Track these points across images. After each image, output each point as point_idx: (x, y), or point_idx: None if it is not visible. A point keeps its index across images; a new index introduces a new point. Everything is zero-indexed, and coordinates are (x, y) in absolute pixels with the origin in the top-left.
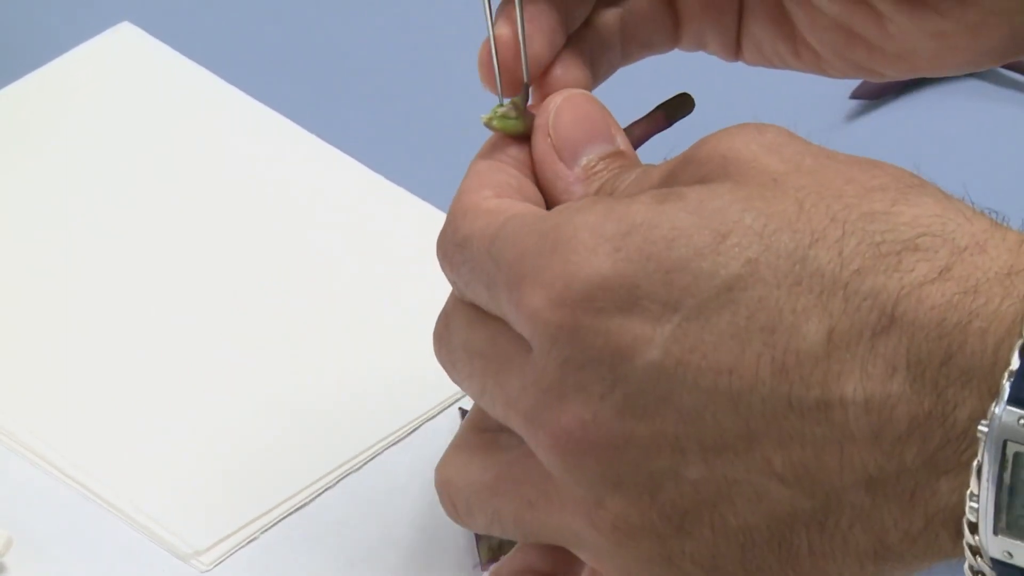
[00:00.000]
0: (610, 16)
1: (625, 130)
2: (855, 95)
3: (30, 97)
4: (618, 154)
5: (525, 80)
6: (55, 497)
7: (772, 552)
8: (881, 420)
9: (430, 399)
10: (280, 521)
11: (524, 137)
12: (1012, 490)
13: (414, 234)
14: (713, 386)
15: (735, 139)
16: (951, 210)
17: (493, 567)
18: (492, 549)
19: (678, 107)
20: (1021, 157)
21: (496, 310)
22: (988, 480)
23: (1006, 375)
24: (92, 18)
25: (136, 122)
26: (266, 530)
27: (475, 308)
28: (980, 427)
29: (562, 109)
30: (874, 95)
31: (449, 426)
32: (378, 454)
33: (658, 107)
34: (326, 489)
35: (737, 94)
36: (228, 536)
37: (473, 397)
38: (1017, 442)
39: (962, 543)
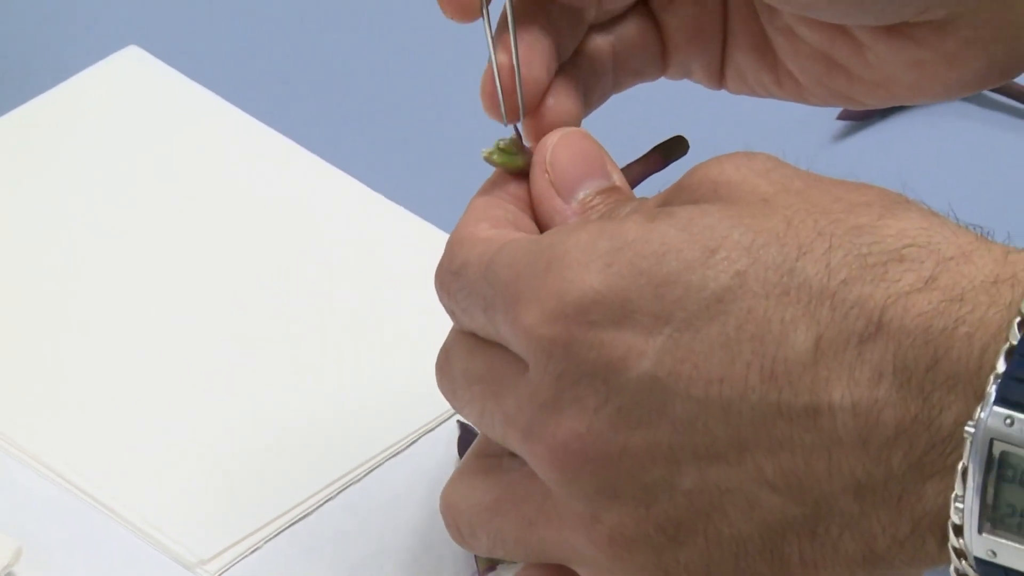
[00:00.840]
0: (601, 44)
1: (625, 168)
2: (842, 116)
3: (40, 119)
4: (613, 189)
5: (520, 112)
6: (63, 508)
7: (764, 561)
8: (868, 425)
9: (428, 412)
10: (283, 531)
11: (522, 173)
12: (997, 489)
13: (412, 251)
14: (704, 395)
15: (725, 165)
16: (936, 223)
17: None
18: (489, 559)
19: (673, 148)
20: (1006, 177)
21: (493, 334)
22: (973, 480)
23: (992, 378)
24: (100, 42)
25: (143, 142)
26: (269, 540)
27: (473, 337)
28: (967, 428)
29: (559, 146)
30: (861, 116)
31: (447, 438)
32: (378, 466)
33: (654, 148)
34: (327, 500)
35: (729, 115)
36: (232, 545)
37: (474, 423)
38: (1003, 441)
39: (947, 547)
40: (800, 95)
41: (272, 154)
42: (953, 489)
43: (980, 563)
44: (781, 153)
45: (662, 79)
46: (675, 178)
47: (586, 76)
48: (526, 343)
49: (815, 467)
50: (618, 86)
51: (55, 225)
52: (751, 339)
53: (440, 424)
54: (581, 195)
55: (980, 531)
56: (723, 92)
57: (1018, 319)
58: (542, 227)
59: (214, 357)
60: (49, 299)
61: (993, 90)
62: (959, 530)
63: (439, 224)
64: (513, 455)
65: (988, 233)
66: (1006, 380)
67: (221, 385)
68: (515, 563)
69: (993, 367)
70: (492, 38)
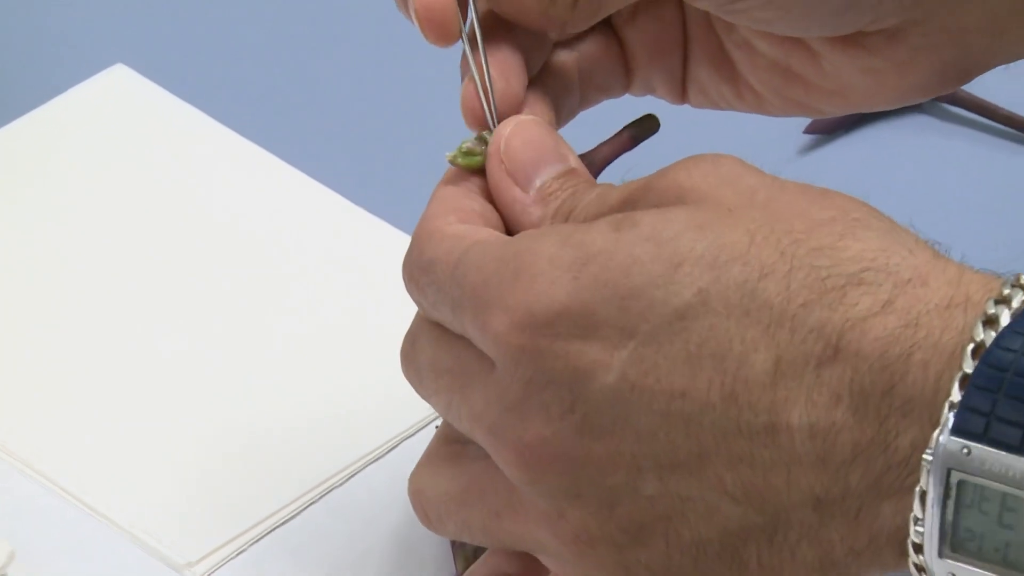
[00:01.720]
0: (566, 60)
1: (593, 151)
2: (809, 130)
3: (28, 137)
4: (571, 172)
5: (491, 118)
6: (55, 512)
7: (723, 564)
8: (826, 446)
9: (408, 419)
10: (268, 534)
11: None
12: (956, 516)
13: (391, 263)
14: (666, 408)
15: (692, 171)
16: (895, 244)
17: (466, 573)
18: (467, 559)
19: (644, 127)
20: (962, 186)
21: (460, 330)
22: (932, 507)
23: (947, 406)
24: (87, 60)
25: (130, 160)
26: (254, 542)
27: (440, 327)
28: (925, 455)
29: (512, 135)
30: (827, 130)
31: (426, 444)
32: (359, 471)
33: (624, 128)
34: (311, 504)
35: (697, 129)
36: (219, 548)
37: (440, 412)
38: (960, 471)
39: (906, 560)
40: (760, 106)
41: (258, 170)
42: (910, 509)
43: None
44: (750, 162)
45: (628, 97)
46: (645, 162)
47: (554, 91)
48: (494, 348)
49: (774, 481)
50: (585, 102)
51: (45, 239)
52: (712, 357)
53: (420, 430)
54: (538, 182)
55: (940, 555)
56: (692, 110)
57: (971, 346)
58: (504, 217)
59: (201, 366)
60: (39, 310)
61: (947, 101)
62: (919, 548)
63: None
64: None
65: (945, 250)
66: (962, 410)
67: (207, 393)
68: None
69: (948, 394)
70: (472, 58)
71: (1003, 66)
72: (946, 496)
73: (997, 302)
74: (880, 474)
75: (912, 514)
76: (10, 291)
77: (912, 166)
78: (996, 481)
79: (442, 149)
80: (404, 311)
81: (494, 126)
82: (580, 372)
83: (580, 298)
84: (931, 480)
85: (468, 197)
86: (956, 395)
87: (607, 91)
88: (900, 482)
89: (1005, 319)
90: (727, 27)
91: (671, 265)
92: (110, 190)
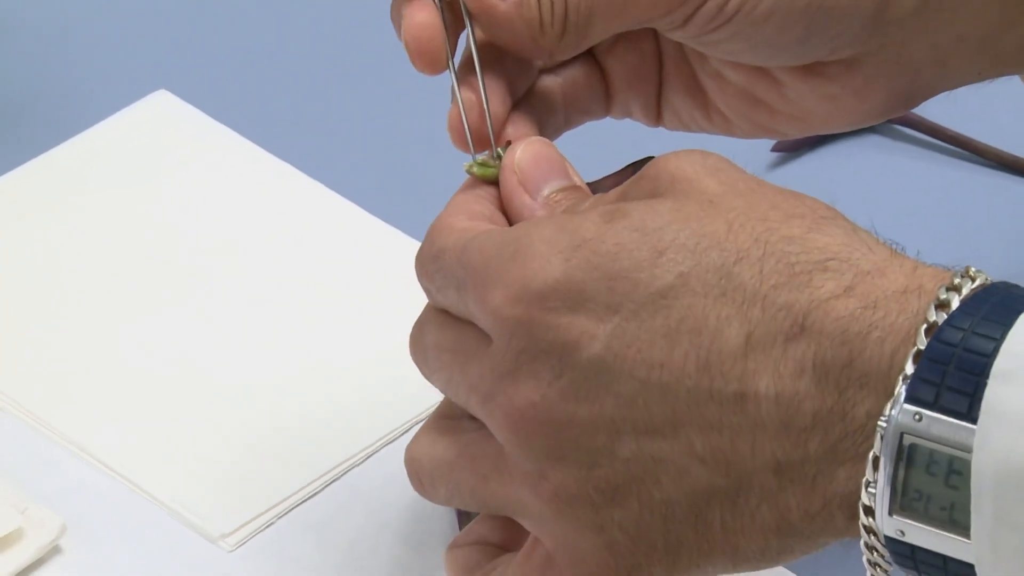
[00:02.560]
0: (551, 85)
1: (598, 182)
2: (776, 148)
3: (72, 161)
4: (574, 188)
5: (492, 138)
6: (104, 490)
7: (689, 525)
8: (789, 413)
9: (419, 405)
10: (293, 508)
11: (497, 182)
12: (906, 477)
13: (408, 273)
14: (646, 377)
15: (682, 159)
16: (857, 241)
17: (452, 540)
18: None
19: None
20: (912, 197)
21: (464, 311)
22: (885, 469)
23: (901, 378)
24: (131, 86)
25: (171, 182)
26: (281, 516)
27: (445, 313)
28: (880, 423)
29: (525, 151)
30: (792, 148)
31: None
32: (375, 452)
33: (627, 166)
34: (332, 481)
35: (675, 147)
36: (249, 521)
37: (440, 388)
38: (912, 434)
39: (856, 524)
40: (728, 129)
41: (297, 193)
42: (863, 475)
43: (889, 540)
44: None
45: (609, 119)
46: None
47: (539, 112)
48: (492, 321)
49: (740, 446)
50: (569, 123)
51: (89, 256)
52: (689, 332)
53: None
54: (546, 192)
55: (891, 513)
56: (669, 131)
57: (924, 326)
58: (512, 221)
59: (235, 359)
60: (90, 314)
61: (898, 123)
62: (870, 511)
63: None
64: (472, 418)
65: (901, 248)
66: (915, 380)
67: (240, 383)
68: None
69: (902, 368)
70: (457, 84)
71: (947, 92)
72: (898, 458)
73: (948, 289)
74: (837, 441)
75: (864, 479)
76: (60, 295)
77: (868, 180)
78: (944, 445)
79: (458, 165)
80: (417, 311)
81: (493, 142)
82: (569, 342)
83: (572, 276)
84: (884, 445)
85: (478, 202)
86: (910, 368)
87: (589, 114)
88: (855, 448)
89: (955, 304)
90: (699, 58)
91: (655, 252)
92: (152, 210)
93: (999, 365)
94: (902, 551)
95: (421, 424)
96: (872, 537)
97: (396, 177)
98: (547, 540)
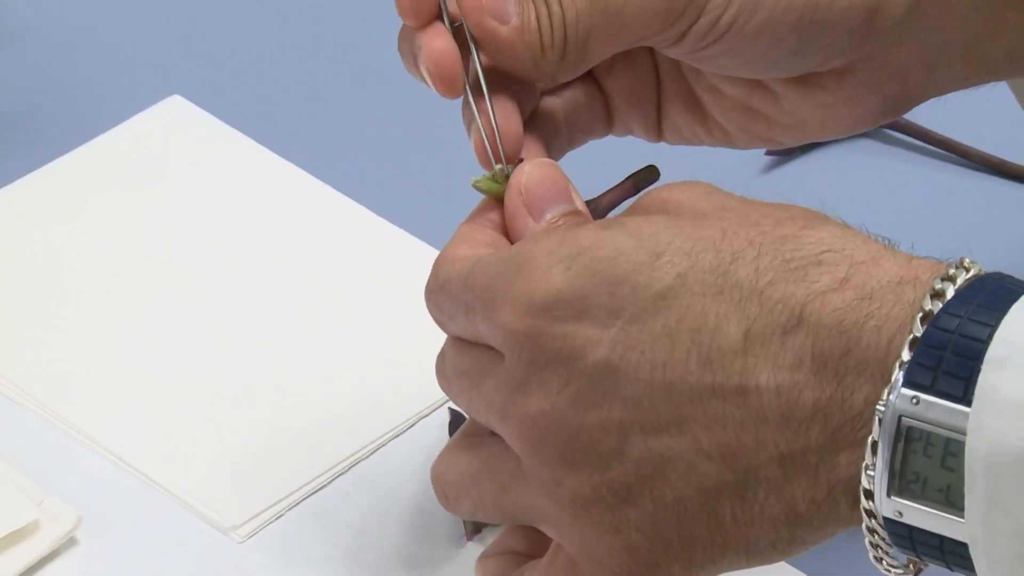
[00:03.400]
0: (553, 106)
1: (600, 196)
2: (770, 152)
3: (88, 163)
4: (576, 212)
5: (502, 153)
6: (117, 482)
7: (702, 520)
8: (790, 404)
9: (424, 400)
10: (302, 501)
11: (502, 199)
12: (903, 459)
13: (417, 272)
14: (650, 377)
15: (672, 189)
16: (850, 234)
17: (482, 552)
18: (475, 522)
19: (645, 176)
20: (902, 199)
21: (475, 333)
22: (883, 451)
23: (897, 365)
24: (145, 92)
25: (185, 185)
26: (291, 508)
27: (460, 340)
28: (878, 407)
29: (532, 173)
30: (785, 152)
31: (440, 422)
32: (382, 446)
33: (628, 177)
34: (340, 475)
35: (674, 151)
36: (260, 513)
37: (463, 409)
38: (909, 417)
39: (858, 510)
40: (728, 141)
41: (309, 196)
42: (863, 460)
43: (888, 522)
44: (719, 181)
45: (610, 136)
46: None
47: (544, 134)
48: (501, 336)
49: (744, 440)
50: (573, 143)
51: (105, 257)
52: (690, 330)
53: (434, 410)
54: (549, 216)
55: (888, 495)
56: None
57: (920, 314)
58: (514, 242)
59: (248, 360)
60: (105, 312)
61: (890, 127)
62: (869, 494)
63: (433, 243)
64: (494, 434)
65: (894, 243)
66: (912, 365)
67: (253, 381)
68: (497, 527)
69: (899, 355)
70: (476, 107)
71: (936, 98)
72: (896, 441)
73: (944, 279)
74: (836, 428)
75: (864, 463)
76: (76, 294)
77: (859, 182)
78: (941, 428)
79: (466, 170)
80: (422, 312)
81: (504, 161)
82: (575, 350)
83: (573, 284)
84: (882, 429)
85: (480, 231)
86: (906, 355)
87: (591, 133)
88: (854, 435)
89: (950, 293)
90: (695, 74)
91: (653, 255)
92: (166, 213)
93: (992, 352)
94: (900, 532)
95: (426, 418)
96: (872, 520)
97: (407, 180)
98: (568, 544)
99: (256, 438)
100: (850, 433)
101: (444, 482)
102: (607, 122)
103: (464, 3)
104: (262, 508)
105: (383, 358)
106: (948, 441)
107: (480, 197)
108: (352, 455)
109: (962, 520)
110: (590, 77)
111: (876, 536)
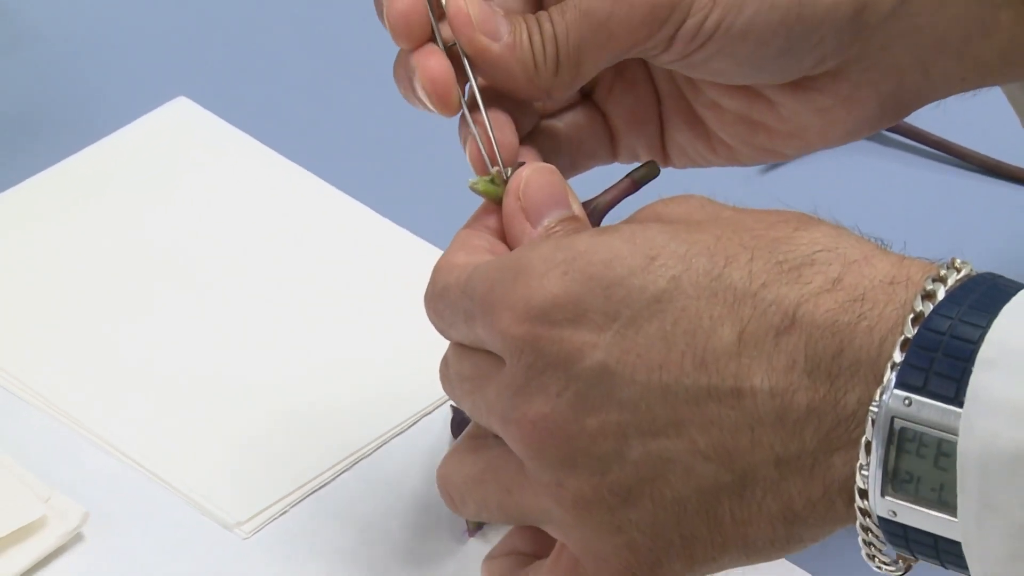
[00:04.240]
0: (553, 129)
1: (599, 195)
2: None
3: (95, 164)
4: (573, 218)
5: (499, 159)
6: (123, 479)
7: (701, 520)
8: (784, 405)
9: (426, 398)
10: (306, 497)
11: (500, 202)
12: (896, 459)
13: (421, 271)
14: (647, 380)
15: (667, 204)
16: (844, 234)
17: (487, 553)
18: (477, 520)
19: (645, 173)
20: (899, 200)
21: (475, 339)
22: (877, 451)
23: (890, 366)
24: (151, 93)
25: (191, 187)
26: (295, 504)
27: (462, 346)
28: (872, 408)
29: (530, 178)
30: None
31: (442, 420)
32: (385, 443)
33: (627, 175)
34: (343, 472)
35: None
36: (264, 510)
37: (468, 413)
38: (902, 418)
39: (854, 509)
40: (733, 158)
41: (314, 197)
42: (858, 459)
43: (883, 521)
44: (715, 183)
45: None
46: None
47: (543, 150)
48: (501, 342)
49: (740, 441)
50: (576, 167)
51: (111, 257)
52: (684, 333)
53: (436, 408)
54: (546, 222)
55: (883, 495)
56: None
57: (912, 315)
58: (512, 246)
59: (253, 357)
60: (111, 311)
61: (887, 129)
62: (864, 493)
63: (432, 241)
64: (497, 436)
65: (887, 244)
66: (904, 367)
67: (258, 378)
68: (499, 524)
69: (891, 356)
70: (471, 120)
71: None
72: (889, 440)
73: (935, 280)
74: (830, 428)
75: (859, 463)
76: (83, 294)
77: (854, 183)
78: (933, 428)
79: (468, 172)
80: (423, 314)
81: (501, 163)
82: (572, 354)
83: (570, 290)
84: (875, 429)
85: (478, 237)
86: (898, 356)
87: (595, 158)
88: (848, 435)
89: (941, 294)
90: (694, 91)
91: (647, 258)
92: (173, 214)
93: (983, 353)
94: (895, 531)
95: (428, 416)
96: (867, 519)
97: (410, 181)
98: (571, 544)
99: (260, 435)
100: (844, 434)
101: (449, 484)
102: (610, 146)
103: (454, 21)
104: (266, 504)
105: (386, 356)
106: (940, 442)
107: (479, 201)
108: (355, 452)
109: (955, 520)
110: (590, 101)
111: (870, 535)
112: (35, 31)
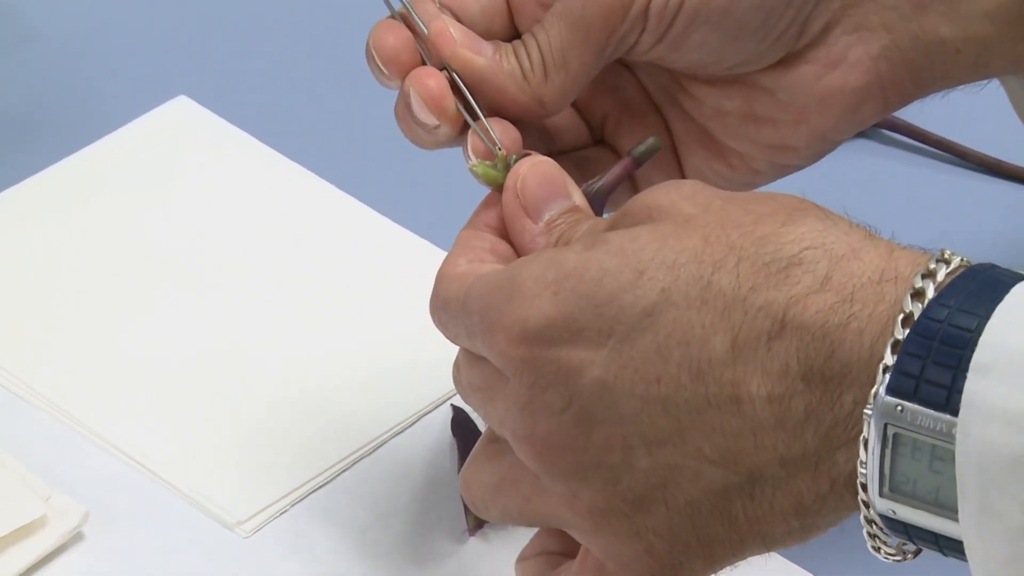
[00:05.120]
0: (565, 164)
1: (602, 177)
2: None
3: (95, 164)
4: (574, 209)
5: (497, 148)
6: (124, 478)
7: (717, 520)
8: (782, 410)
9: (427, 398)
10: (307, 496)
11: (499, 187)
12: (893, 462)
13: (422, 271)
14: (646, 393)
15: (658, 192)
16: (831, 226)
17: (519, 554)
18: (477, 518)
19: (646, 150)
20: (897, 201)
21: (478, 352)
22: (872, 454)
23: (881, 367)
24: (150, 92)
25: (191, 186)
26: (296, 503)
27: (469, 353)
28: (866, 410)
29: (529, 172)
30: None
31: (442, 419)
32: (386, 442)
33: (628, 152)
34: (344, 470)
35: None
36: (264, 509)
37: (484, 420)
38: (895, 425)
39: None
40: (748, 169)
41: (315, 197)
42: (859, 456)
43: (883, 518)
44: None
45: None
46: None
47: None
48: (503, 363)
49: (744, 445)
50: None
51: (111, 256)
52: (678, 344)
53: (437, 407)
54: (547, 216)
55: (881, 495)
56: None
57: (901, 316)
58: (513, 242)
59: (253, 357)
60: (111, 310)
61: (885, 127)
62: (865, 487)
63: (435, 242)
64: None
65: (876, 231)
66: (895, 374)
67: (257, 378)
68: (499, 525)
69: (882, 358)
70: (472, 122)
71: (937, 95)
72: (884, 446)
73: (924, 276)
74: (829, 428)
75: (859, 460)
76: (82, 293)
77: (854, 182)
78: (926, 435)
79: (466, 181)
80: (426, 309)
81: (498, 150)
82: (571, 372)
83: (562, 309)
84: (871, 432)
85: (479, 238)
86: (889, 359)
87: (615, 200)
88: (847, 434)
89: (931, 292)
90: (697, 106)
91: (636, 272)
92: (173, 213)
93: (978, 358)
94: (896, 526)
95: (429, 415)
96: (870, 511)
97: (411, 181)
98: (594, 549)
99: (261, 434)
100: (843, 433)
101: (471, 492)
102: (628, 182)
103: (437, 39)
104: (267, 503)
105: (387, 355)
106: (934, 447)
107: (479, 200)
108: (356, 451)
109: (953, 519)
110: (602, 143)
111: (874, 527)
112: (35, 31)
